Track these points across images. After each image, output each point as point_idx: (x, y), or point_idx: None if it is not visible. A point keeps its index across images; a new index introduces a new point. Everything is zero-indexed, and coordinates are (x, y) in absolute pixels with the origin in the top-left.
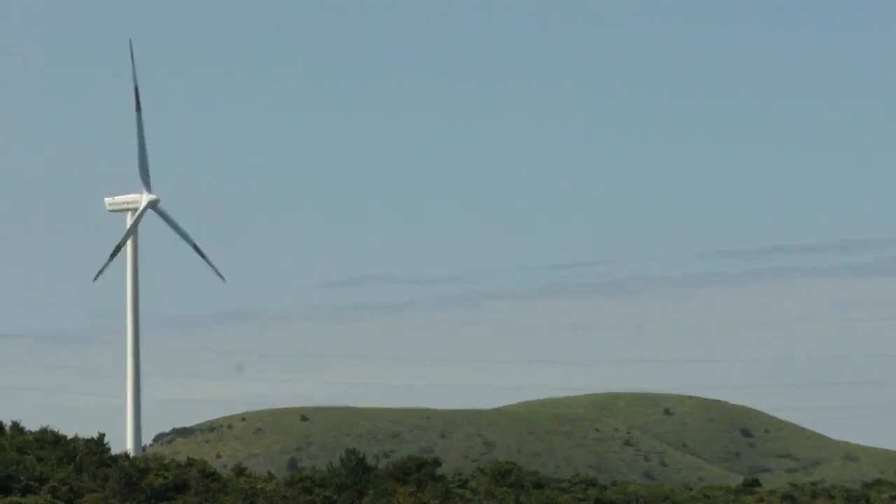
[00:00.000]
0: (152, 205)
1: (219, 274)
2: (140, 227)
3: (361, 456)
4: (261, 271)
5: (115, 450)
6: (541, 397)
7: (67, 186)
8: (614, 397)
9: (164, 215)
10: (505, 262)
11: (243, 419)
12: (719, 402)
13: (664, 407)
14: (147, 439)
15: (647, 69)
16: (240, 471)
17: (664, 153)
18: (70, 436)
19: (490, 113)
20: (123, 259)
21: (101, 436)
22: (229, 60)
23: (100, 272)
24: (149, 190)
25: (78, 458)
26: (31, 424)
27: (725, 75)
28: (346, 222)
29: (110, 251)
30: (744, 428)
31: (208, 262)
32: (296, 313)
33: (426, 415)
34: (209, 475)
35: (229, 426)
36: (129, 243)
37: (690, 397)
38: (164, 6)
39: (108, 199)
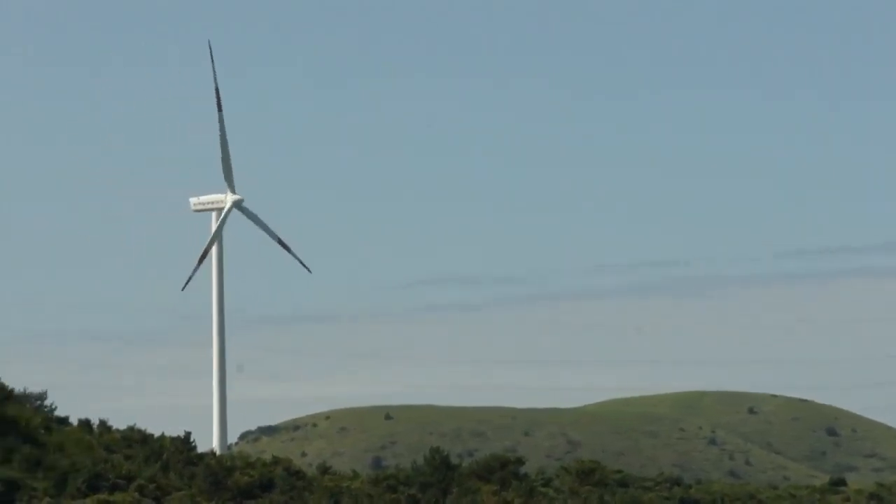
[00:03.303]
0: (237, 204)
1: (304, 266)
2: (225, 227)
3: (445, 454)
4: (345, 272)
5: (202, 448)
6: (625, 396)
7: (154, 187)
8: (699, 396)
9: (247, 213)
10: (588, 263)
11: (328, 418)
12: (804, 401)
13: (749, 406)
14: (233, 438)
15: (721, 68)
16: (325, 469)
17: (742, 154)
18: (157, 434)
19: (565, 114)
20: (209, 260)
21: (188, 434)
22: (307, 59)
23: (188, 280)
24: (233, 190)
25: (165, 456)
26: (119, 423)
27: (804, 76)
28: (430, 223)
29: (197, 257)
30: (829, 427)
31: (294, 255)
32: (380, 313)
33: (510, 414)
34: (294, 473)
35: (314, 425)
36: (214, 244)
37: (775, 396)
38: (243, 7)
39: (193, 200)
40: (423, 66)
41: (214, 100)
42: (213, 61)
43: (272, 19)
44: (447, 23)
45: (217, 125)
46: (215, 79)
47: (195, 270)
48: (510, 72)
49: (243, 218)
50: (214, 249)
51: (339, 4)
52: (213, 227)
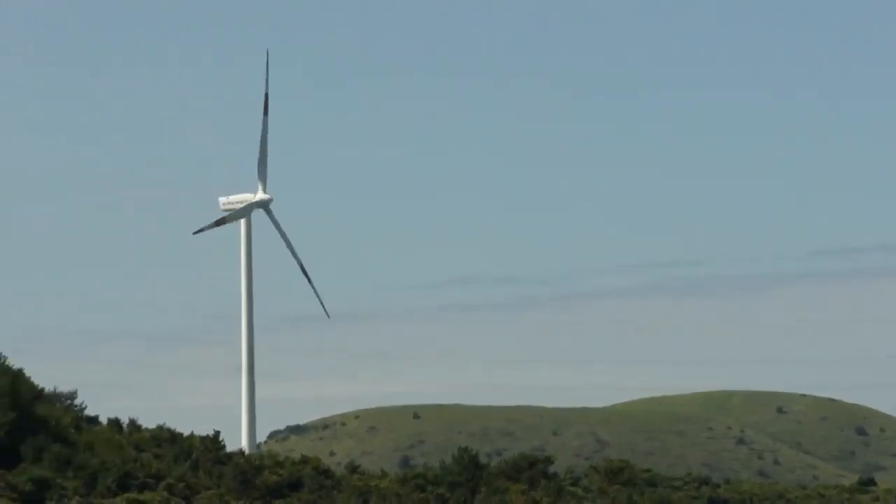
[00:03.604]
0: (264, 203)
1: (323, 306)
2: (254, 227)
3: (474, 454)
4: (376, 272)
5: (231, 447)
6: (653, 396)
7: (183, 186)
8: (728, 396)
9: (271, 217)
10: (617, 262)
11: (357, 417)
12: (833, 400)
13: (777, 405)
14: (262, 437)
15: (751, 67)
16: (353, 468)
17: (776, 151)
18: (186, 433)
19: (595, 114)
20: (237, 259)
21: (217, 433)
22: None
23: (201, 230)
24: (264, 189)
25: (194, 455)
26: (149, 422)
27: (833, 74)
28: (460, 222)
29: (215, 220)
30: (858, 426)
31: (314, 289)
32: (409, 313)
33: (539, 413)
34: (323, 473)
35: (343, 424)
36: (242, 242)
37: (804, 396)
38: (292, 10)
39: (222, 199)
40: (447, 66)
41: (262, 104)
42: (268, 69)
43: (273, 19)
44: (447, 23)
45: (260, 127)
46: (267, 85)
47: (209, 227)
48: (511, 71)
49: (272, 216)
50: (243, 248)
51: (341, 4)
52: (243, 229)
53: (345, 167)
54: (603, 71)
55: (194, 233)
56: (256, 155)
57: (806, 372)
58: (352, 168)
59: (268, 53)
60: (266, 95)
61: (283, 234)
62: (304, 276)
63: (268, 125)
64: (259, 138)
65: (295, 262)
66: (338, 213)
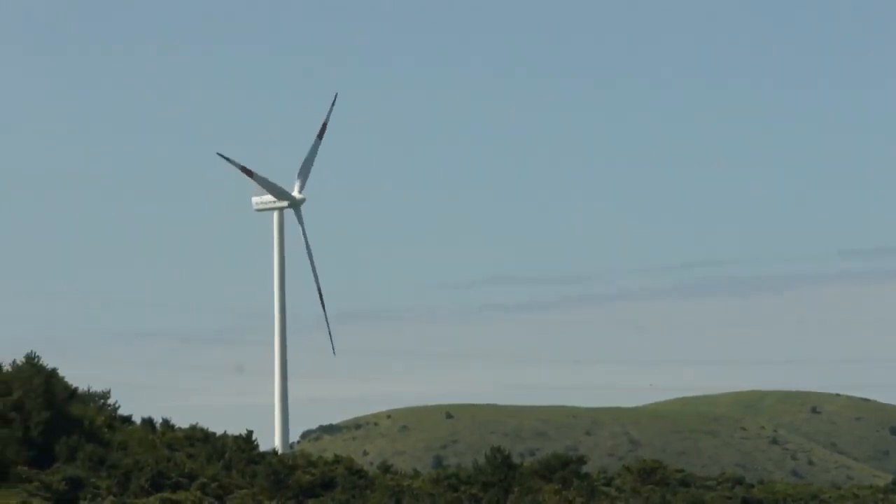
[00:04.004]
0: (295, 202)
1: (331, 340)
2: (287, 225)
3: (507, 453)
4: (408, 270)
5: (263, 447)
6: (686, 396)
7: (216, 186)
8: (761, 396)
9: (301, 222)
10: (649, 261)
11: (389, 417)
12: (868, 400)
13: (811, 405)
14: (294, 437)
15: (778, 63)
16: (386, 468)
17: (808, 149)
18: (219, 433)
19: (626, 111)
20: (270, 259)
21: (250, 433)
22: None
23: (226, 158)
24: (300, 189)
25: (227, 455)
26: (182, 422)
27: (868, 70)
28: (493, 221)
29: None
30: (893, 426)
31: (326, 319)
32: (442, 312)
33: (572, 413)
34: (356, 472)
35: (375, 424)
36: (275, 243)
37: (838, 396)
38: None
39: (255, 199)
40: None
41: (319, 128)
42: (333, 106)
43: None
44: (480, 18)
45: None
46: (328, 117)
47: (230, 161)
48: (545, 71)
49: (307, 216)
50: (276, 247)
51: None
52: (275, 228)
53: (378, 164)
54: (631, 71)
55: (218, 153)
56: (295, 156)
57: (840, 371)
58: (384, 165)
59: (336, 96)
60: (324, 125)
61: (306, 240)
62: (318, 293)
63: (318, 146)
64: (307, 152)
65: (312, 272)
66: (369, 211)
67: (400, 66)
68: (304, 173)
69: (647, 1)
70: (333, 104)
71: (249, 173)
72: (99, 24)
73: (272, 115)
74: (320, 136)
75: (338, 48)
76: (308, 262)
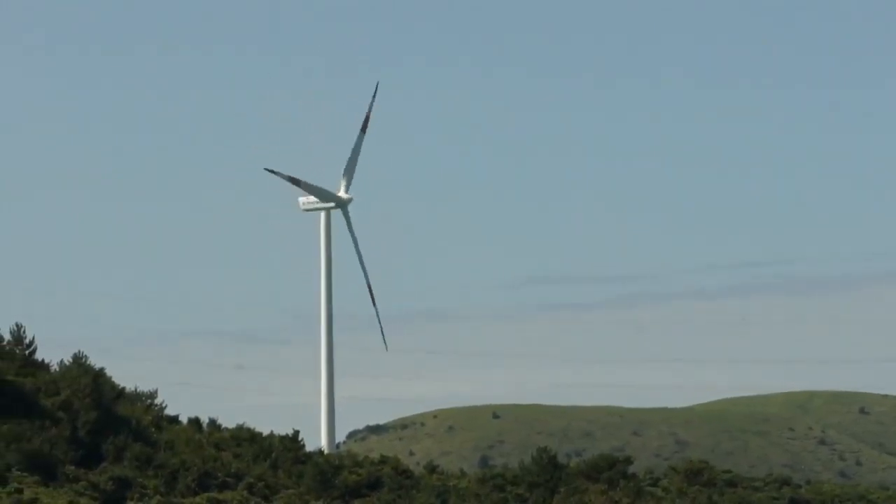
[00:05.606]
0: (342, 202)
1: (383, 336)
2: (334, 225)
3: (553, 454)
4: (455, 271)
5: (310, 447)
6: (734, 396)
7: (262, 186)
8: (809, 396)
9: (348, 221)
10: (697, 262)
11: (436, 417)
12: None
13: (860, 406)
14: (341, 437)
15: (778, 63)
16: (432, 468)
17: (869, 149)
18: (266, 433)
19: (679, 112)
20: (317, 258)
21: (296, 433)
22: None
23: (273, 171)
24: (346, 189)
25: (273, 455)
26: (228, 422)
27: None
28: (540, 221)
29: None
30: None
31: (377, 315)
32: (488, 312)
33: (618, 413)
34: (402, 472)
35: (422, 424)
36: (322, 242)
37: (886, 396)
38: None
39: (301, 199)
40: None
41: (362, 122)
42: (374, 97)
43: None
44: (527, 19)
45: (354, 139)
46: (370, 109)
47: (284, 177)
48: (599, 70)
49: (354, 214)
50: (323, 247)
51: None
52: (322, 228)
53: (428, 165)
54: (693, 70)
55: (265, 168)
56: (339, 157)
57: (889, 372)
58: (433, 165)
59: (377, 85)
60: (367, 117)
61: (354, 240)
62: (368, 292)
63: (362, 140)
64: (351, 148)
65: (362, 272)
66: (418, 211)
67: (450, 64)
68: (349, 171)
69: (647, 1)
70: (375, 95)
71: (297, 182)
72: (99, 24)
73: (272, 115)
74: (363, 129)
75: (338, 48)
76: (357, 261)
